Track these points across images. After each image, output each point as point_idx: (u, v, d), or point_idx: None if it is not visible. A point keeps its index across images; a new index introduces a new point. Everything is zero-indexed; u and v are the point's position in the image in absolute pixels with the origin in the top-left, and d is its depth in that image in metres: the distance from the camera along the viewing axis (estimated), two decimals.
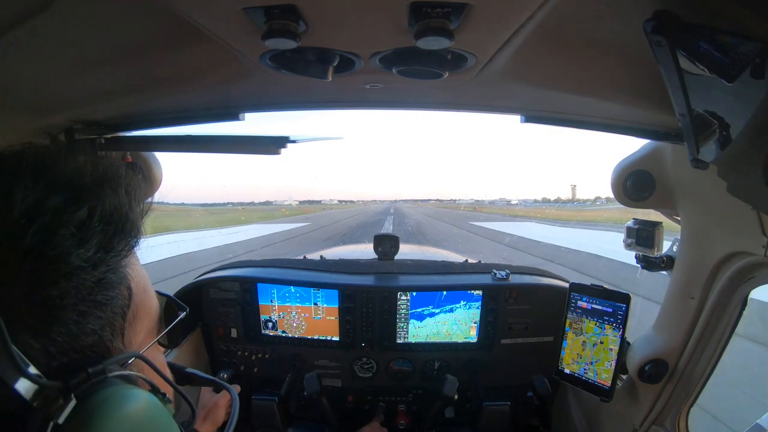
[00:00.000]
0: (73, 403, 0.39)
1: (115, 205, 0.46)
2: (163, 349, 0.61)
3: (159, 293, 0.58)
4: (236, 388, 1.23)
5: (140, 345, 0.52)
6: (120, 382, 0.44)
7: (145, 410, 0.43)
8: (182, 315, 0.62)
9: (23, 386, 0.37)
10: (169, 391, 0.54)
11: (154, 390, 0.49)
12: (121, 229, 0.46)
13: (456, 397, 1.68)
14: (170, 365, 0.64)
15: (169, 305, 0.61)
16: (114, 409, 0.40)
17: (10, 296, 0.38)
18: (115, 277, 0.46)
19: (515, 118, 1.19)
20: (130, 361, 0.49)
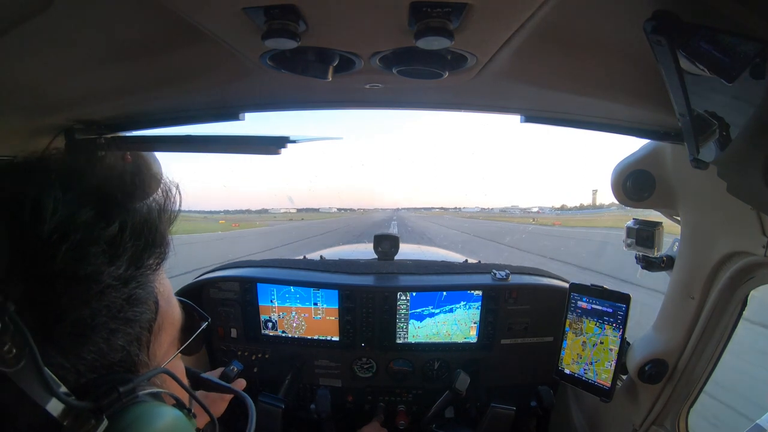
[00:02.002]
0: (105, 423, 0.39)
1: (144, 216, 0.45)
2: (181, 354, 0.60)
3: (180, 301, 0.57)
4: (242, 383, 1.23)
5: (164, 356, 0.52)
6: (148, 399, 0.44)
7: (172, 427, 0.43)
8: (204, 325, 0.62)
9: (54, 406, 0.37)
10: (186, 398, 0.54)
11: (179, 405, 0.49)
12: (151, 242, 0.45)
13: (464, 393, 1.69)
14: (186, 370, 0.64)
15: (190, 313, 0.60)
16: (144, 428, 0.40)
17: (42, 318, 0.37)
18: (144, 293, 0.45)
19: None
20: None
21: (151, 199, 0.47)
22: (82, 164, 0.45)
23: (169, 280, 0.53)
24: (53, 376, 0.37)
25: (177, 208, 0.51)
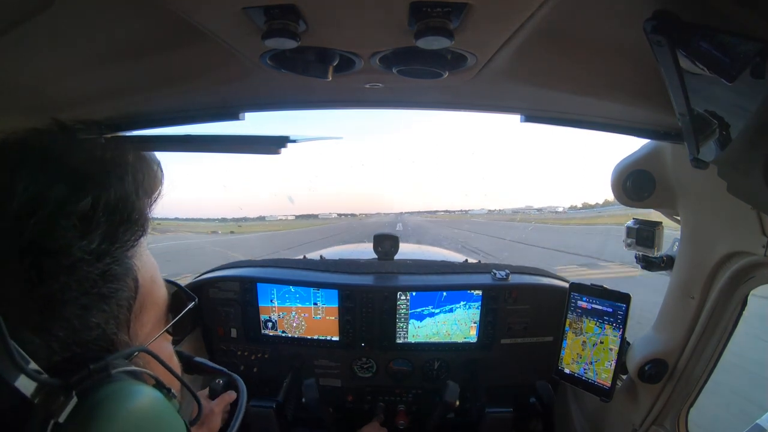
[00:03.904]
0: (74, 401, 0.38)
1: (120, 194, 0.44)
2: (170, 338, 0.59)
3: (168, 282, 0.56)
4: (232, 395, 1.21)
5: (147, 336, 0.51)
6: (124, 378, 0.42)
7: (148, 407, 0.42)
8: (191, 305, 0.61)
9: (23, 383, 0.36)
10: (176, 385, 0.53)
11: (159, 385, 0.48)
12: (127, 218, 0.45)
13: (458, 403, 1.68)
14: (178, 354, 0.63)
15: (177, 294, 0.59)
16: (116, 407, 0.39)
17: (10, 291, 0.37)
18: (120, 269, 0.45)
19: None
20: (135, 354, 0.47)
21: (129, 176, 0.46)
22: (58, 143, 0.45)
23: (153, 259, 0.52)
24: (21, 351, 0.36)
25: (159, 185, 0.51)
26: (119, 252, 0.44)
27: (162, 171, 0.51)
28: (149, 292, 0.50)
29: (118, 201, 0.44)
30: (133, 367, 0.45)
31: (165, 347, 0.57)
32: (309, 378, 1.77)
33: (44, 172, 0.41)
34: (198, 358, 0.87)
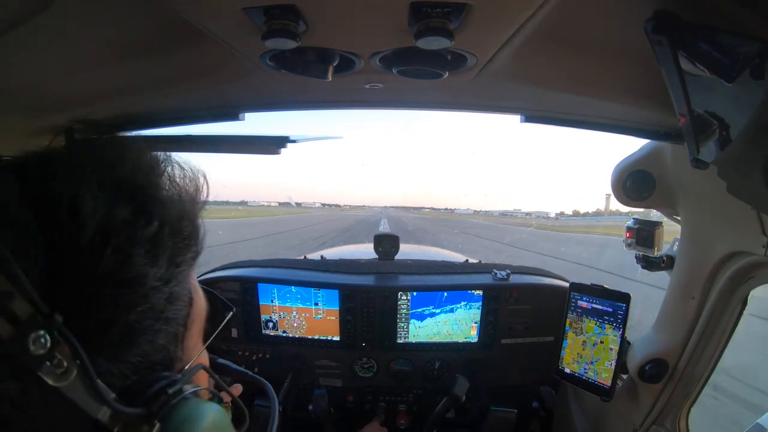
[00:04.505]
0: (157, 427, 0.38)
1: (181, 212, 0.43)
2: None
3: (204, 289, 0.56)
4: (238, 388, 1.21)
5: (193, 347, 0.51)
6: (191, 396, 0.43)
7: (216, 423, 0.43)
8: (230, 315, 0.62)
9: (104, 414, 0.36)
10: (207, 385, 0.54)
11: (216, 399, 0.49)
12: (188, 236, 0.44)
13: (464, 398, 1.67)
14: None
15: (212, 301, 0.59)
16: (194, 428, 0.40)
17: (89, 326, 0.36)
18: (181, 289, 0.44)
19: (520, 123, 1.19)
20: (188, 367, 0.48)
21: (185, 192, 0.45)
22: (109, 154, 0.42)
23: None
24: (104, 385, 0.36)
25: (206, 197, 0.49)
26: (182, 273, 0.44)
27: (207, 182, 0.49)
28: (197, 305, 0.51)
29: (180, 220, 0.43)
30: (200, 387, 0.46)
31: (204, 354, 0.57)
32: (319, 389, 1.78)
33: (106, 189, 0.38)
34: (221, 360, 0.87)
